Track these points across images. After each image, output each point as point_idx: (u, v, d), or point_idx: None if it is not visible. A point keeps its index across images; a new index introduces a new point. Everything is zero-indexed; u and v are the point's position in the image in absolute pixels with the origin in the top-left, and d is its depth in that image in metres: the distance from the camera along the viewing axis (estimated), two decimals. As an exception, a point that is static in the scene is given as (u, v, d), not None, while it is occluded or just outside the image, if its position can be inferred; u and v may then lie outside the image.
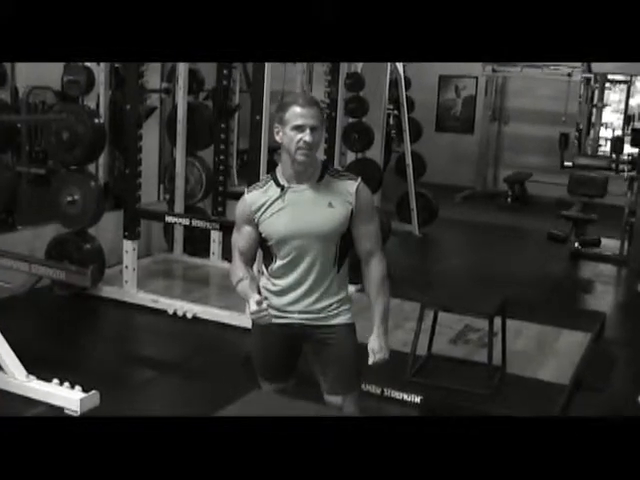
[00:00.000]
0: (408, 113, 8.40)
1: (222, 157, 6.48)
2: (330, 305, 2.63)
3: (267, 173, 2.68)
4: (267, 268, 2.66)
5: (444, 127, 12.43)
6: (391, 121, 9.24)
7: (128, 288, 5.55)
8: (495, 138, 12.16)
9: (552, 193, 10.38)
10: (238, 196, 2.73)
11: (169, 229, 6.63)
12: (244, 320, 4.96)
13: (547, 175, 10.83)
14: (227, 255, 2.58)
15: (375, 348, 2.60)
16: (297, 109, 2.47)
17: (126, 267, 5.55)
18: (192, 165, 6.55)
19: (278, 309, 2.62)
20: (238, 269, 2.62)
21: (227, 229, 3.38)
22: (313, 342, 2.66)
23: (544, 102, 11.53)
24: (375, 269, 2.64)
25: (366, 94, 7.58)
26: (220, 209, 6.47)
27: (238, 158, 8.05)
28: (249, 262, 2.68)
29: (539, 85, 11.42)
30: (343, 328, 2.65)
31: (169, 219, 5.66)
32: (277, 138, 2.56)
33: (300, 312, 2.62)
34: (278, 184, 2.58)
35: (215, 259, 6.44)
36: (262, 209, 2.57)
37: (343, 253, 2.63)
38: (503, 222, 9.73)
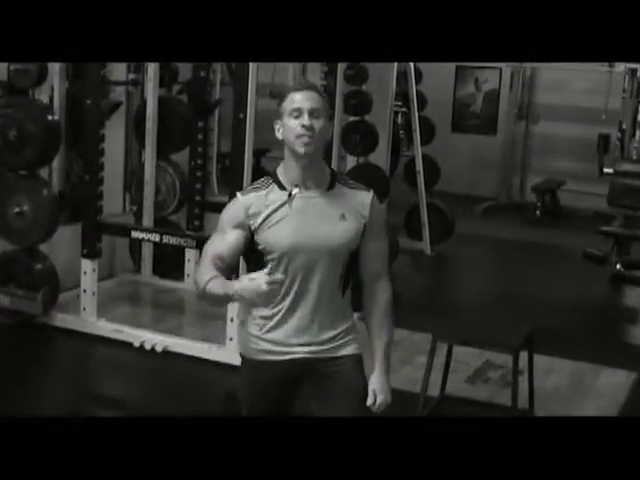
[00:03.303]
0: (419, 110, 8.43)
1: (199, 161, 6.51)
2: (337, 335, 2.66)
3: (262, 177, 2.67)
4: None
5: (462, 127, 12.47)
6: (399, 120, 9.29)
7: (86, 316, 5.54)
8: (522, 140, 12.19)
9: (589, 204, 10.43)
10: (218, 207, 2.73)
11: (136, 246, 6.64)
12: (224, 354, 4.96)
13: (583, 183, 10.86)
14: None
15: (377, 388, 2.63)
16: (294, 94, 2.53)
17: (84, 291, 5.55)
18: (164, 170, 6.56)
19: (278, 342, 2.63)
20: (207, 271, 2.55)
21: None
22: (315, 378, 2.67)
23: (580, 97, 11.55)
24: (381, 294, 2.69)
25: (369, 88, 7.63)
26: (197, 223, 6.49)
27: (218, 162, 8.07)
28: (224, 275, 2.60)
29: (574, 77, 11.44)
30: (350, 359, 2.68)
31: (136, 234, 5.66)
32: (278, 135, 2.59)
33: (304, 344, 2.63)
34: (283, 188, 2.59)
35: (190, 282, 6.44)
36: (262, 215, 2.57)
37: (349, 274, 2.67)
38: (531, 239, 9.75)
